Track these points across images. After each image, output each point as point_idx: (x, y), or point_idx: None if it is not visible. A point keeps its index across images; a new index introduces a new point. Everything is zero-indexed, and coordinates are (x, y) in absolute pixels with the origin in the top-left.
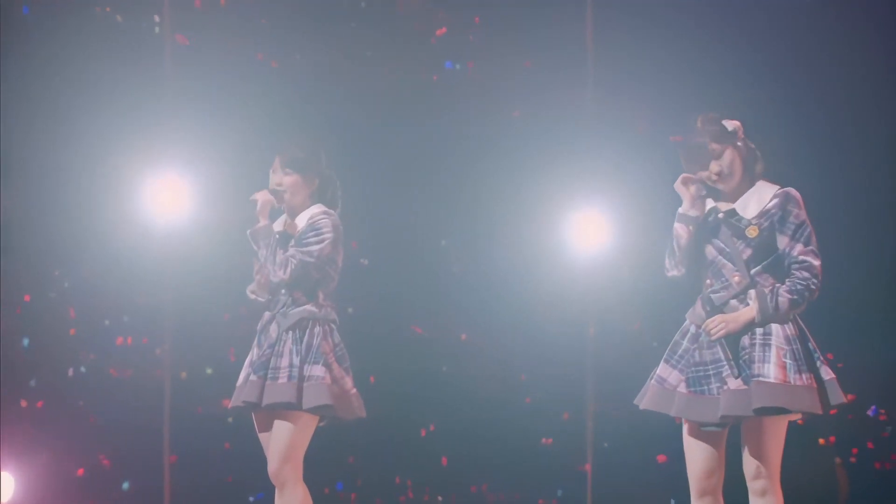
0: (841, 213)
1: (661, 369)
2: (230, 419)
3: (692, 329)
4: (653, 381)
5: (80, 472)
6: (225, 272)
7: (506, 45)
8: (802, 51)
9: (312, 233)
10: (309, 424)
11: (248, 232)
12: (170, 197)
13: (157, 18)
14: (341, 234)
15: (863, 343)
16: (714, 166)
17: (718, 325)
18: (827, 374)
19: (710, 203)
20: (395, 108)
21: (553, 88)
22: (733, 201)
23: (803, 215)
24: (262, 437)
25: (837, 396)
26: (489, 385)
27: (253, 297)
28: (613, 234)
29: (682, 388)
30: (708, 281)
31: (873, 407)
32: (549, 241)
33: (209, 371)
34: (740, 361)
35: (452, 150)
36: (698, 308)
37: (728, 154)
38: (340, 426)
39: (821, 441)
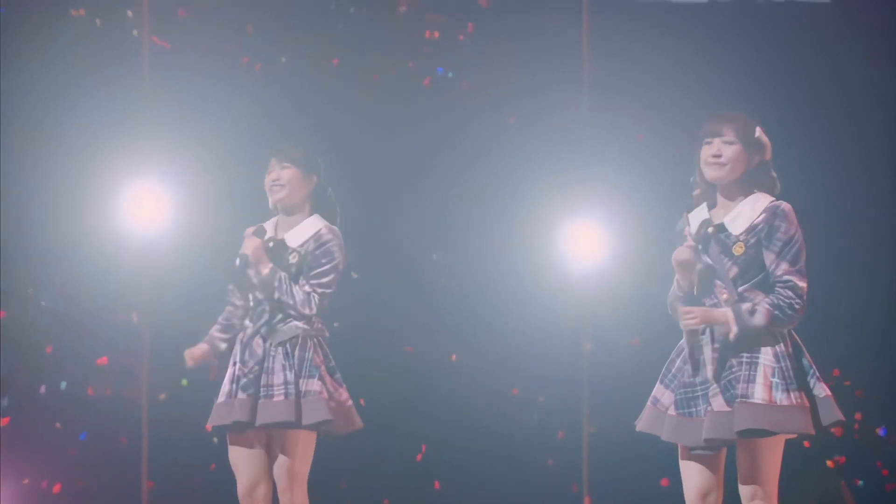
0: (851, 227)
1: (657, 390)
2: (215, 440)
3: (685, 349)
4: (650, 400)
5: (57, 488)
6: (209, 286)
7: (500, 50)
8: (803, 54)
9: (325, 259)
10: (310, 441)
11: (255, 281)
12: (149, 207)
13: (130, 14)
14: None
15: (871, 360)
16: (717, 146)
17: (691, 314)
18: (822, 391)
19: (703, 213)
20: (385, 115)
21: (548, 94)
22: (726, 212)
23: (793, 231)
24: (236, 455)
25: (832, 415)
26: (482, 405)
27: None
28: (611, 244)
29: (672, 410)
30: (703, 299)
31: (883, 427)
32: (544, 252)
33: (184, 382)
34: (725, 382)
35: (444, 159)
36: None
37: (737, 150)
38: (332, 447)
39: (829, 463)
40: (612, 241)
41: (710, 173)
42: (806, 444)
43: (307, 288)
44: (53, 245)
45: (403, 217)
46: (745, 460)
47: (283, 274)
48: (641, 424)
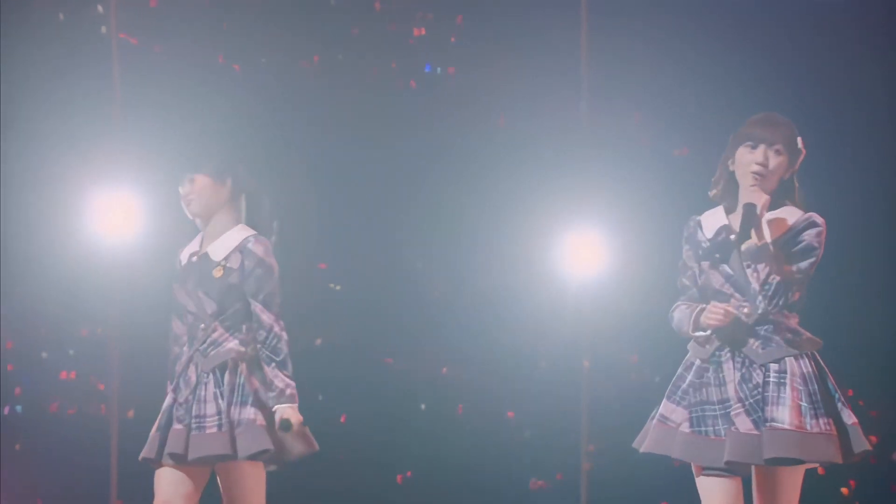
0: (866, 244)
1: (664, 407)
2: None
3: (697, 362)
4: (655, 420)
5: None
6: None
7: (490, 46)
8: (810, 55)
9: (267, 276)
10: (255, 472)
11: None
12: (118, 215)
13: (100, 9)
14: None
15: (887, 379)
16: (764, 154)
17: (717, 311)
18: (849, 417)
19: (720, 218)
20: (370, 116)
21: (543, 94)
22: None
23: (815, 245)
24: (161, 473)
25: (861, 443)
26: (473, 424)
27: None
28: (610, 255)
29: (685, 427)
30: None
31: None
32: (538, 263)
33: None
34: (752, 402)
35: (431, 162)
36: (703, 343)
37: (783, 161)
38: (306, 470)
39: (844, 491)
40: (610, 252)
41: (751, 181)
42: (820, 470)
43: (268, 317)
44: (17, 255)
45: (388, 224)
46: (765, 489)
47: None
48: (648, 444)
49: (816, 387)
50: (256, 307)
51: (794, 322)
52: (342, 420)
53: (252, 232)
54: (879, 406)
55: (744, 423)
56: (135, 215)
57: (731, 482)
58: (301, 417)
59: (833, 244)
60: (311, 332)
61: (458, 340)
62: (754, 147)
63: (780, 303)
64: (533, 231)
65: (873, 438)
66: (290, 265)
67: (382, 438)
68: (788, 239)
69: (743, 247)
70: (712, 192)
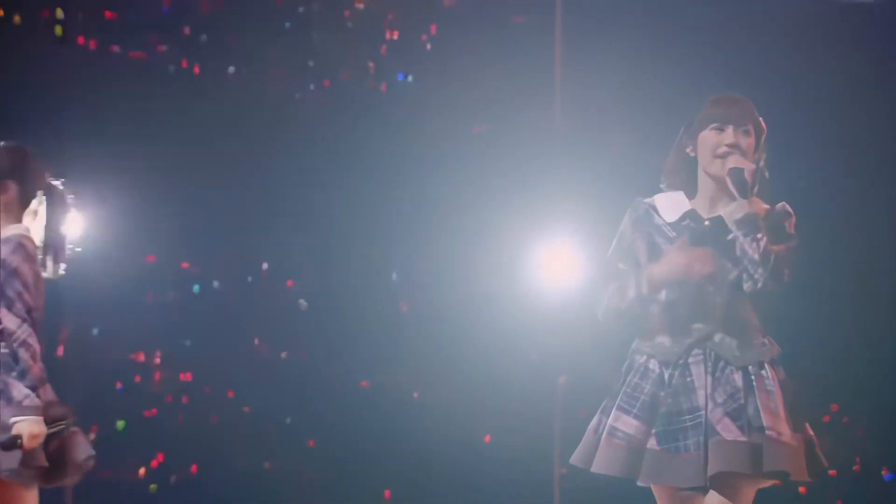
0: (853, 260)
1: (616, 419)
2: (152, 486)
3: (654, 367)
4: (603, 433)
5: None
6: (133, 307)
7: (464, 54)
8: (791, 59)
9: (7, 276)
10: (20, 494)
11: None
12: (73, 228)
13: (60, 14)
14: (30, 252)
15: (874, 394)
16: (732, 135)
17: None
18: (809, 430)
19: (681, 202)
20: (340, 124)
21: (516, 102)
22: (713, 205)
23: (794, 233)
24: None
25: (822, 460)
26: (446, 445)
27: None
28: (587, 268)
29: (653, 444)
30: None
31: (889, 472)
32: (514, 276)
33: (121, 425)
34: (733, 406)
35: (404, 172)
36: (664, 340)
37: (751, 141)
38: (271, 498)
39: None
40: (588, 263)
41: (724, 165)
42: (802, 489)
43: (10, 321)
44: None
45: (358, 234)
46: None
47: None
48: (599, 463)
49: (791, 397)
50: (1, 310)
51: (758, 323)
52: (310, 445)
53: (17, 232)
54: (865, 423)
55: (728, 430)
56: (92, 227)
57: (697, 499)
58: (43, 430)
59: (818, 250)
60: (277, 348)
61: (431, 355)
62: (721, 129)
63: (777, 277)
64: (507, 242)
65: (858, 458)
66: (256, 278)
67: (354, 460)
68: (771, 226)
69: (738, 216)
70: (665, 183)
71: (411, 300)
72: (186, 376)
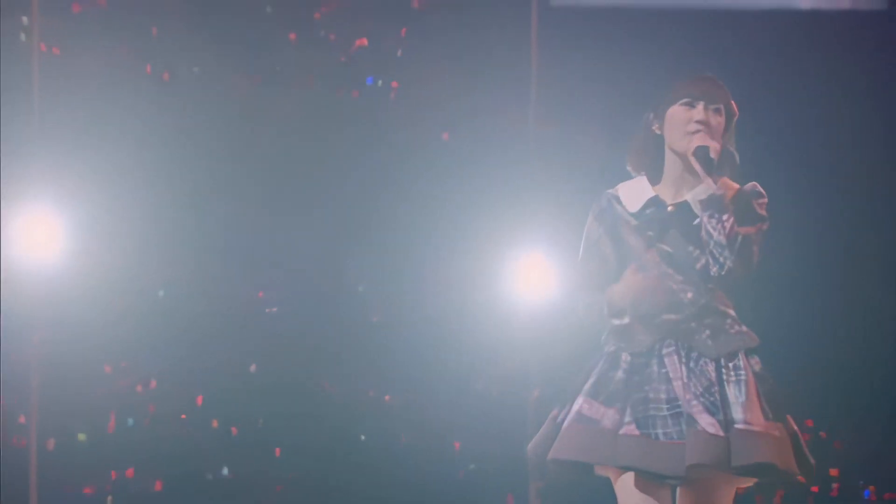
0: (835, 270)
1: (585, 406)
2: (109, 499)
3: (627, 357)
4: (570, 419)
5: None
6: (103, 320)
7: (436, 59)
8: (770, 70)
9: None
10: None
11: None
12: (39, 235)
13: (25, 21)
14: None
15: (851, 408)
16: (703, 112)
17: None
18: (793, 425)
19: (645, 189)
20: (308, 130)
21: (489, 110)
22: (678, 190)
23: (765, 214)
24: None
25: (809, 455)
26: (416, 456)
27: None
28: (561, 279)
29: (631, 430)
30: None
31: (867, 489)
32: (485, 287)
33: (82, 437)
34: (710, 400)
35: (372, 179)
36: (636, 331)
37: (721, 121)
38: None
39: None
40: (562, 274)
41: (690, 143)
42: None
43: None
44: None
45: (326, 244)
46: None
47: None
48: (564, 449)
49: (768, 387)
50: None
51: (733, 312)
52: (277, 453)
53: None
54: (842, 437)
55: (709, 423)
56: (56, 235)
57: (664, 493)
58: None
59: (787, 252)
60: (246, 359)
61: (402, 367)
62: (692, 105)
63: (746, 261)
64: (480, 252)
65: (834, 472)
66: (226, 285)
67: (320, 471)
68: (740, 207)
69: (702, 196)
70: (630, 165)
71: (382, 310)
72: (152, 384)
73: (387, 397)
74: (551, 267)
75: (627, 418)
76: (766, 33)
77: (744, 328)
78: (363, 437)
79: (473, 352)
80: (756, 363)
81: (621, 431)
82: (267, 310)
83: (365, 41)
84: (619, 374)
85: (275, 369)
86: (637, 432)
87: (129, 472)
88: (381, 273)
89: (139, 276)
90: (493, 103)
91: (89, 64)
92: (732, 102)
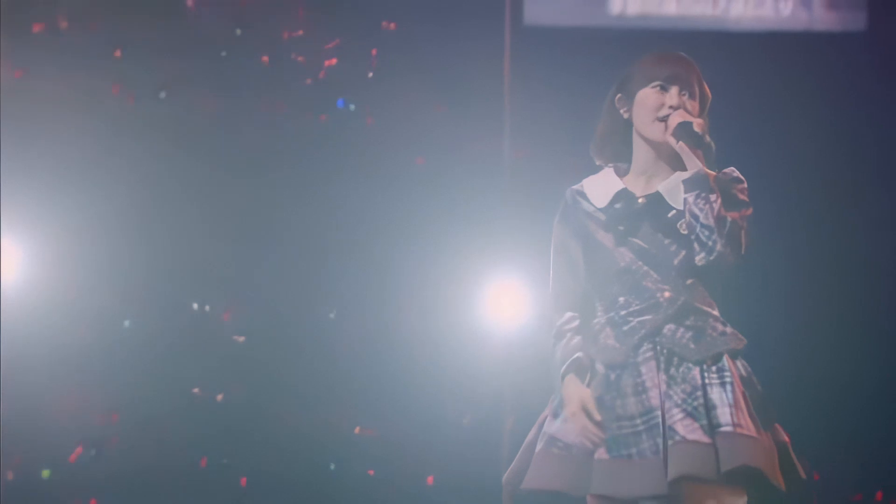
0: (825, 268)
1: (553, 428)
2: None
3: (599, 369)
4: (542, 445)
5: None
6: (67, 350)
7: (409, 80)
8: (752, 92)
9: None
10: None
11: None
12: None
13: None
14: None
15: (828, 430)
16: (676, 97)
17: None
18: (782, 434)
19: (613, 182)
20: (276, 154)
21: (463, 133)
22: (649, 180)
23: (746, 199)
24: None
25: (799, 468)
26: (387, 488)
27: None
28: (537, 305)
29: (602, 454)
30: (621, 299)
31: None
32: (459, 314)
33: (46, 474)
34: (693, 405)
35: (343, 205)
36: (607, 339)
37: (695, 105)
38: None
39: None
40: (537, 301)
41: (669, 126)
42: None
43: None
44: None
45: (295, 271)
46: None
47: None
48: (534, 478)
49: (755, 392)
50: None
51: (717, 312)
52: (243, 483)
53: None
54: (819, 464)
55: (690, 430)
56: (15, 262)
57: None
58: None
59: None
60: (213, 388)
61: (373, 396)
62: (665, 89)
63: (736, 245)
64: (453, 279)
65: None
66: (192, 313)
67: (288, 501)
68: (721, 192)
69: (687, 175)
70: (595, 153)
71: (353, 338)
72: (114, 417)
73: (357, 429)
74: (526, 293)
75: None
76: (743, 54)
77: (728, 329)
78: (333, 467)
79: (446, 381)
80: (743, 366)
81: (595, 456)
82: (234, 337)
83: (334, 61)
84: (591, 390)
85: (242, 398)
86: (607, 457)
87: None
88: (352, 300)
89: (104, 306)
90: (467, 126)
91: (52, 86)
92: (705, 85)
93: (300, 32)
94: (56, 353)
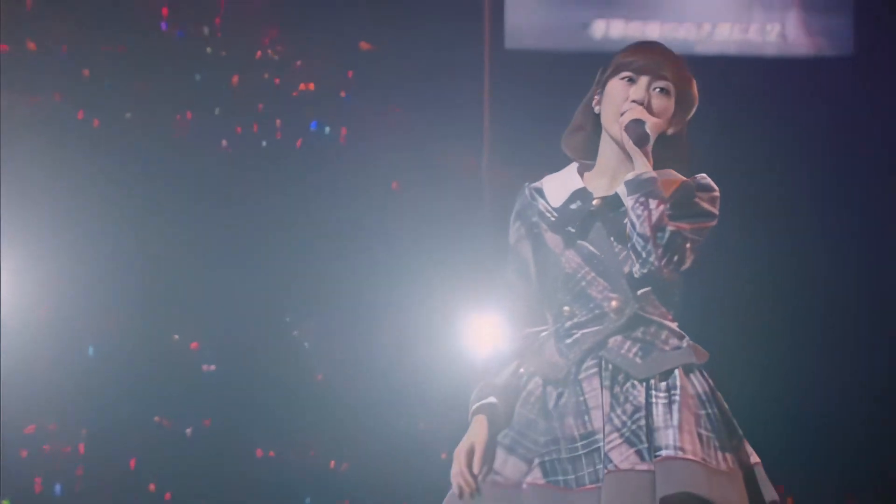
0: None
1: (498, 459)
2: None
3: (535, 388)
4: (487, 477)
5: None
6: (30, 377)
7: (384, 104)
8: (731, 115)
9: None
10: None
11: None
12: None
13: None
14: None
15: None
16: (644, 91)
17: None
18: (751, 455)
19: (573, 180)
20: (248, 178)
21: (441, 158)
22: (612, 181)
23: (712, 210)
24: None
25: (770, 491)
26: None
27: None
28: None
29: (537, 478)
30: (566, 308)
31: None
32: (438, 345)
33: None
34: (630, 432)
35: (318, 230)
36: (550, 353)
37: (667, 104)
38: None
39: None
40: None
41: (619, 128)
42: None
43: None
44: None
45: (268, 298)
46: None
47: None
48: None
49: (715, 411)
50: None
51: (675, 324)
52: None
53: None
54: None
55: (624, 457)
56: None
57: None
58: None
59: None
60: (183, 421)
61: (349, 428)
62: (633, 80)
63: (674, 259)
64: (431, 307)
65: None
66: (159, 342)
67: None
68: (678, 199)
69: (630, 175)
70: (566, 145)
71: (328, 368)
72: (80, 447)
73: (332, 462)
74: (504, 324)
75: (534, 465)
76: (727, 78)
77: (685, 342)
78: (308, 501)
79: (423, 413)
80: (701, 382)
81: (526, 481)
82: (204, 367)
83: (312, 86)
84: (527, 412)
85: (213, 431)
86: (542, 481)
87: None
88: (326, 329)
89: (67, 332)
90: (445, 150)
91: (17, 108)
92: (693, 87)
93: (273, 52)
94: (20, 379)
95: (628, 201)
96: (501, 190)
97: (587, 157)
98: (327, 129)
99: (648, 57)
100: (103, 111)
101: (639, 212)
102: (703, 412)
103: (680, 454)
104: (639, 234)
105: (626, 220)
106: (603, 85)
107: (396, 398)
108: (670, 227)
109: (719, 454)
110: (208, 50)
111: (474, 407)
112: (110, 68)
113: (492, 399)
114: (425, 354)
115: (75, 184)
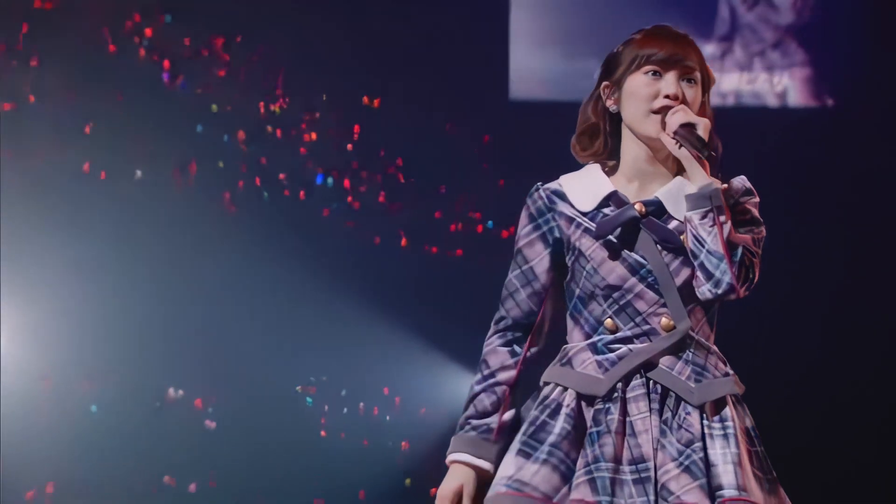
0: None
1: (515, 469)
2: None
3: (571, 402)
4: (495, 484)
5: None
6: (33, 434)
7: (388, 156)
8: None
9: None
10: None
11: None
12: None
13: None
14: None
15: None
16: (674, 83)
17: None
18: (785, 500)
19: (599, 181)
20: (251, 232)
21: (447, 210)
22: (647, 184)
23: (759, 215)
24: None
25: None
26: None
27: None
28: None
29: (585, 494)
30: (608, 321)
31: None
32: (442, 392)
33: None
34: (692, 459)
35: (321, 283)
36: (585, 367)
37: (696, 92)
38: None
39: None
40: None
41: (657, 125)
42: None
43: None
44: None
45: (272, 354)
46: None
47: None
48: None
49: (762, 449)
50: None
51: (716, 347)
52: None
53: None
54: None
55: (685, 489)
56: None
57: None
58: None
59: None
60: (185, 475)
61: (353, 484)
62: (659, 75)
63: (749, 277)
64: (434, 357)
65: None
66: (161, 398)
67: None
68: (731, 209)
69: (693, 189)
70: (579, 148)
71: (330, 423)
72: None
73: None
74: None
75: (576, 482)
76: (737, 130)
77: (729, 370)
78: None
79: (428, 469)
80: (748, 416)
81: (570, 500)
82: (206, 422)
83: (314, 135)
84: (560, 422)
85: (217, 488)
86: (592, 499)
87: None
88: (330, 385)
89: (71, 390)
90: (450, 204)
91: (21, 162)
92: (707, 66)
93: (277, 106)
94: (22, 436)
95: (693, 216)
96: (507, 241)
97: (604, 158)
98: (330, 182)
99: (669, 47)
100: (108, 165)
101: (708, 227)
102: (753, 449)
103: (744, 496)
104: (710, 253)
105: (680, 229)
106: (618, 83)
107: (401, 455)
108: (741, 244)
109: (770, 498)
110: (213, 108)
111: (460, 444)
112: (112, 123)
113: (482, 437)
114: (426, 414)
115: (79, 238)
